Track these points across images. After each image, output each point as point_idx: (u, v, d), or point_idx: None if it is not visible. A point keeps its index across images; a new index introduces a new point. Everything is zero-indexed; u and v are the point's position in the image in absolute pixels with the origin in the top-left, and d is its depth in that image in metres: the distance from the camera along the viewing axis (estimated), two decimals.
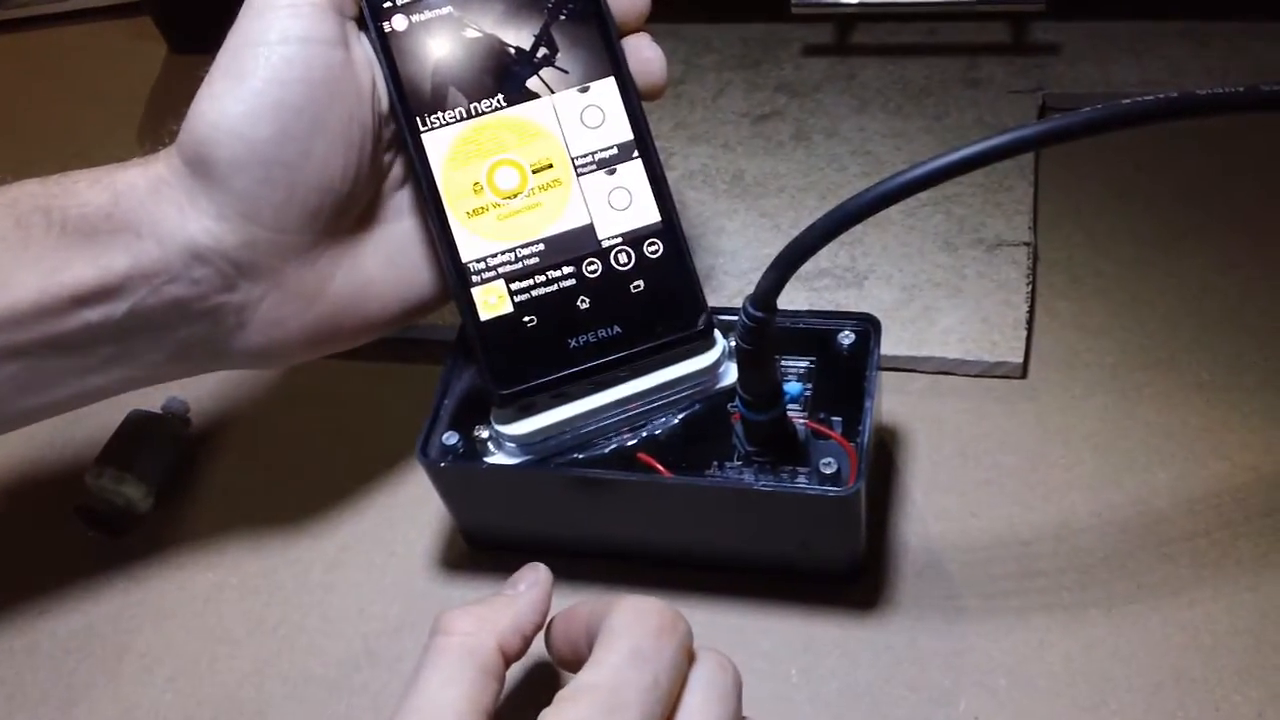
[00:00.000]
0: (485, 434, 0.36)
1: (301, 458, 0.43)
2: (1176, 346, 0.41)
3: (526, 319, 0.34)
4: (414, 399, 0.38)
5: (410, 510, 0.40)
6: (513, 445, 0.35)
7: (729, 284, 0.45)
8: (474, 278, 0.34)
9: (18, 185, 0.33)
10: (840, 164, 0.49)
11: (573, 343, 0.34)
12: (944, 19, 0.54)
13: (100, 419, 0.42)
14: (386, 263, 0.36)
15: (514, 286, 0.34)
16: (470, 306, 0.34)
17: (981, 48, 0.53)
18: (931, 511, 0.38)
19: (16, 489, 0.44)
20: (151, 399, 0.43)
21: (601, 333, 0.34)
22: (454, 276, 0.34)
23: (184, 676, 0.37)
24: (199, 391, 0.45)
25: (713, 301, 0.37)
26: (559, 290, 0.34)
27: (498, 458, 0.35)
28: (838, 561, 0.36)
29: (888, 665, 0.34)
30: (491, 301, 0.34)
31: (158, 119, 0.59)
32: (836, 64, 0.54)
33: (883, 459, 0.39)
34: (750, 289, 0.31)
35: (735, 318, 0.32)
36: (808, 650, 0.35)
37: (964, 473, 0.39)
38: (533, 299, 0.34)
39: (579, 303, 0.34)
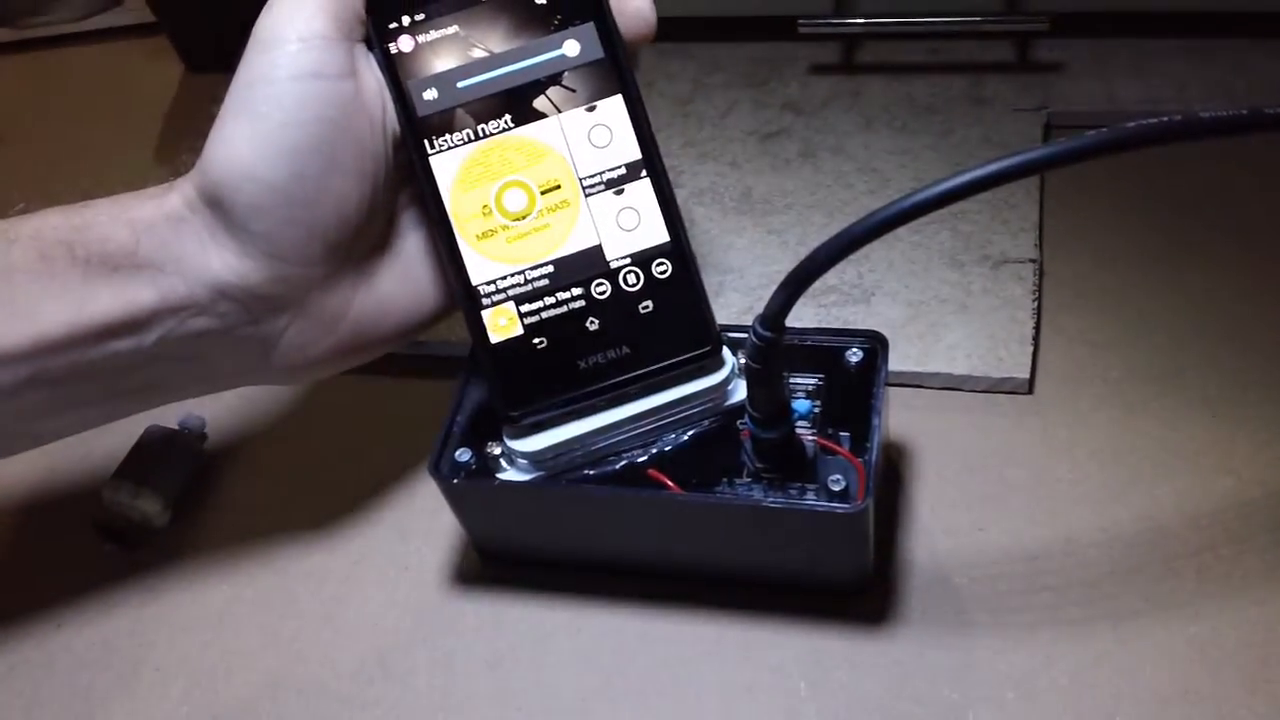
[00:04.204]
0: (497, 450, 0.36)
1: (316, 473, 0.43)
2: (1182, 361, 0.41)
3: (536, 341, 0.34)
4: (427, 414, 0.38)
5: (423, 524, 0.41)
6: (525, 461, 0.35)
7: (737, 301, 0.45)
8: (484, 300, 0.34)
9: (39, 216, 0.33)
10: (846, 181, 0.49)
11: (582, 364, 0.34)
12: (949, 38, 0.54)
13: (117, 434, 0.43)
14: (402, 278, 0.36)
15: (524, 309, 0.34)
16: (480, 329, 0.35)
17: (986, 66, 0.53)
18: (939, 526, 0.38)
19: (34, 503, 0.44)
20: (168, 415, 0.44)
21: (611, 353, 0.34)
22: (464, 300, 0.35)
23: (199, 689, 0.38)
24: (215, 407, 0.45)
25: (721, 318, 0.37)
26: (568, 312, 0.35)
27: (510, 474, 0.36)
28: (846, 576, 0.36)
29: (896, 679, 0.35)
30: (501, 324, 0.34)
31: (175, 138, 0.59)
32: (843, 82, 0.54)
33: (890, 475, 0.39)
34: (758, 305, 0.31)
35: (744, 335, 0.32)
36: (816, 664, 0.35)
37: (971, 488, 0.39)
38: (542, 321, 0.34)
39: (588, 324, 0.34)
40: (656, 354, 0.35)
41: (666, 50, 0.57)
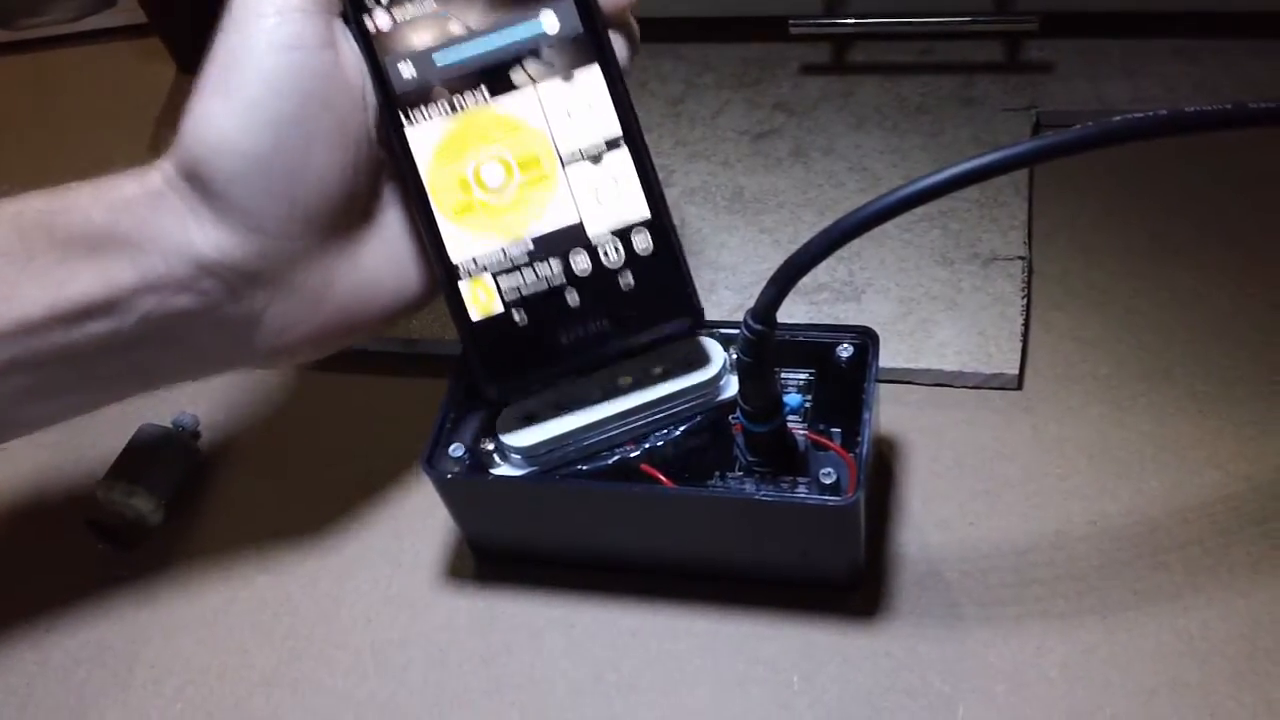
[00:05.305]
0: (490, 446, 0.36)
1: (309, 471, 0.44)
2: (1170, 357, 0.42)
3: (517, 318, 0.34)
4: (420, 412, 0.39)
5: (417, 522, 0.41)
6: (518, 457, 0.35)
7: (729, 298, 0.45)
8: (463, 277, 0.34)
9: (20, 199, 0.33)
10: (837, 180, 0.50)
11: (564, 339, 0.34)
12: (939, 38, 0.55)
13: (111, 433, 0.43)
14: (387, 256, 0.36)
15: (504, 285, 0.34)
16: (460, 307, 0.34)
17: (976, 66, 0.53)
18: (930, 521, 0.38)
19: (27, 502, 0.44)
20: (162, 413, 0.44)
21: (593, 328, 0.34)
22: (443, 277, 0.34)
23: (194, 688, 0.38)
24: (209, 406, 0.46)
25: (713, 315, 0.37)
26: (549, 288, 0.34)
27: (503, 470, 0.36)
28: (838, 570, 0.36)
29: (887, 672, 0.35)
30: (482, 300, 0.34)
31: (168, 139, 0.59)
32: (834, 82, 0.54)
33: (881, 469, 0.40)
34: (750, 303, 0.32)
35: (736, 331, 0.33)
36: (808, 658, 0.36)
37: (961, 483, 0.39)
38: (523, 297, 0.34)
39: (569, 299, 0.34)
40: (638, 327, 0.34)
41: (658, 51, 0.57)
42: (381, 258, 0.36)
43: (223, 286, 0.33)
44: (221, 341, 0.35)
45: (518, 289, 0.34)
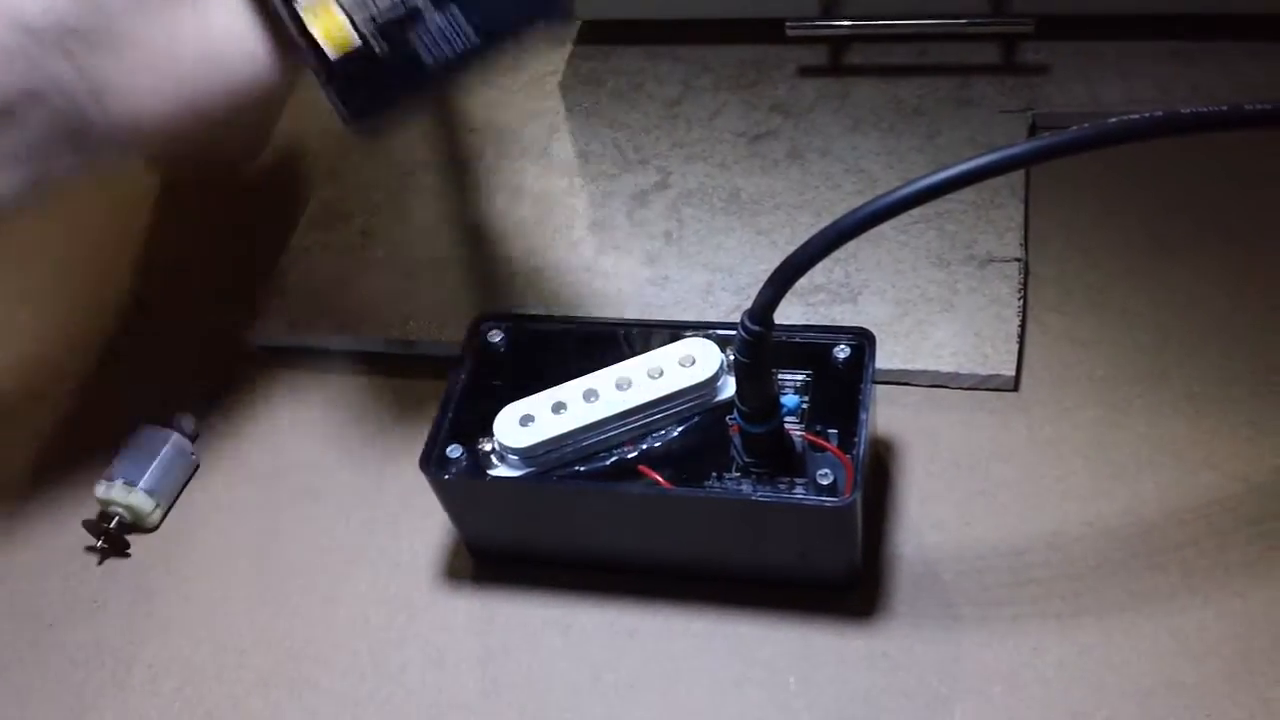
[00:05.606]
0: (488, 447, 0.36)
1: (306, 471, 0.44)
2: (1166, 358, 0.42)
3: (377, 47, 0.32)
4: (418, 412, 0.39)
5: (415, 522, 0.41)
6: (515, 458, 0.36)
7: (726, 300, 0.45)
8: (307, 9, 0.32)
9: None
10: (834, 182, 0.50)
11: (429, 59, 0.32)
12: (935, 40, 0.55)
13: (110, 433, 0.43)
14: (230, 10, 0.33)
15: (356, 15, 0.32)
16: (310, 42, 0.32)
17: (972, 68, 0.54)
18: (926, 522, 0.38)
19: (26, 502, 0.44)
20: (160, 414, 0.44)
21: (458, 44, 0.32)
22: (285, 9, 0.32)
23: (192, 687, 0.38)
24: (207, 407, 0.46)
25: (710, 317, 0.37)
26: (405, 10, 0.32)
27: (500, 470, 0.36)
28: (835, 571, 0.37)
29: (884, 673, 0.35)
30: (334, 34, 0.32)
31: None
32: (830, 84, 0.54)
33: (878, 471, 0.40)
34: (747, 304, 0.32)
35: (733, 332, 0.33)
36: (805, 658, 0.36)
37: (958, 484, 0.39)
38: (379, 26, 0.32)
39: (430, 21, 0.32)
40: (504, 29, 0.32)
41: (656, 53, 0.57)
42: (225, 14, 0.33)
43: (57, 51, 0.32)
44: (72, 121, 0.33)
45: (372, 17, 0.32)
